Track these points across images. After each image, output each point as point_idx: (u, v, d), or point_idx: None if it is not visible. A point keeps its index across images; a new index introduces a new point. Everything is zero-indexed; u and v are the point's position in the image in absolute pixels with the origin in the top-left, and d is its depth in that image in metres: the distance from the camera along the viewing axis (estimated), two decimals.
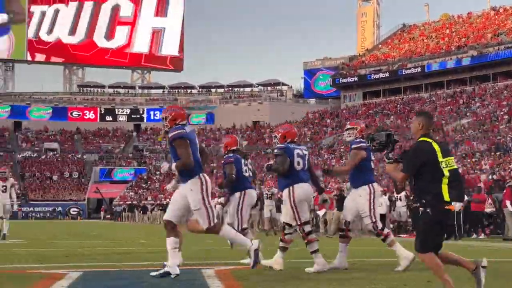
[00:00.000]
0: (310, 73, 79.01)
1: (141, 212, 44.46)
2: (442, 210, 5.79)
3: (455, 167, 5.96)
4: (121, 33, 79.33)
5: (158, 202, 43.88)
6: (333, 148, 60.65)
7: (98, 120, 77.49)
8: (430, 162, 5.85)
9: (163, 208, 39.62)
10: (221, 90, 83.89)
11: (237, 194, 9.82)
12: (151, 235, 21.18)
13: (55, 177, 67.71)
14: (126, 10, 79.35)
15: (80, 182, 67.66)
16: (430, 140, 5.96)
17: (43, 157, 71.33)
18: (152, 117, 78.42)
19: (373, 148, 6.61)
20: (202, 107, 79.45)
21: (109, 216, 57.48)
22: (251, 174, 10.02)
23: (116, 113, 78.12)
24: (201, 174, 7.30)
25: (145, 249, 13.21)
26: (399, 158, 6.16)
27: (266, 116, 75.78)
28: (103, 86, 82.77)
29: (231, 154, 9.97)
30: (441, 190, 5.82)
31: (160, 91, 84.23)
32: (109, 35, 79.12)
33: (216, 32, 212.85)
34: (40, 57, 77.53)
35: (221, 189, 10.69)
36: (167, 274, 7.24)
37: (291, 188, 8.50)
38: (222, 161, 10.10)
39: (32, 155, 71.35)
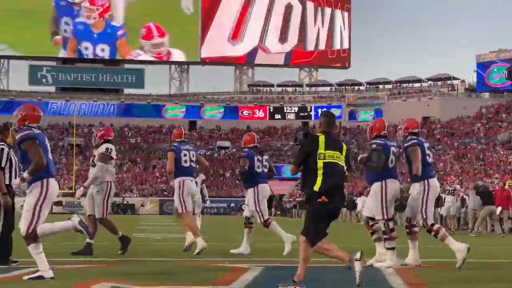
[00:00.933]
0: (483, 66, 75.65)
1: None
2: (317, 203, 6.18)
3: (335, 162, 6.29)
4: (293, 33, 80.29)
5: None
6: (509, 144, 57.70)
7: (267, 118, 79.23)
8: (312, 153, 6.31)
9: None
10: (389, 86, 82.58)
11: (251, 191, 10.64)
12: None
13: (227, 174, 70.15)
14: (297, 9, 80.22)
15: None
16: (320, 135, 6.46)
17: (216, 155, 74.13)
18: (320, 115, 78.79)
19: (297, 146, 6.80)
20: (369, 103, 78.70)
21: (279, 212, 58.57)
22: (264, 169, 10.73)
23: (285, 111, 79.39)
24: (45, 179, 7.00)
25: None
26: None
27: (436, 112, 73.61)
28: (271, 85, 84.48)
29: (246, 149, 10.81)
30: (316, 181, 6.22)
31: (328, 88, 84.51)
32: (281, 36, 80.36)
33: (383, 28, 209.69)
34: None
35: (239, 181, 11.03)
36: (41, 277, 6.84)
37: (384, 182, 8.57)
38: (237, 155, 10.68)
39: (206, 153, 74.41)
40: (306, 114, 79.44)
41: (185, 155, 10.59)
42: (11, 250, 8.46)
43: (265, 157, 11.07)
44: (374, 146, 8.64)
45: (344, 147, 6.55)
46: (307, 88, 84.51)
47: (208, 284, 6.70)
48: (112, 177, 10.55)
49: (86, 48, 75.20)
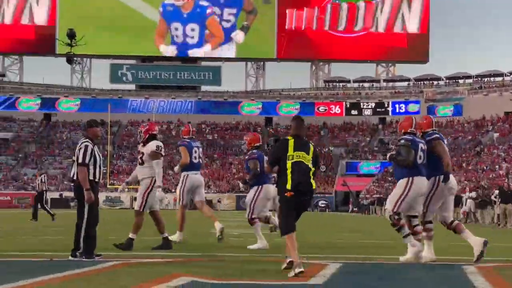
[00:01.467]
0: None
1: None
2: (285, 197, 7.16)
3: (301, 161, 7.25)
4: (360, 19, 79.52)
5: None
6: None
7: (343, 114, 78.67)
8: (283, 155, 7.30)
9: None
10: (470, 81, 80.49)
11: (255, 188, 10.89)
12: None
13: None
14: None
15: (327, 175, 69.31)
16: (290, 138, 7.42)
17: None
18: (397, 110, 77.73)
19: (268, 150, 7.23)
20: (449, 99, 77.00)
21: (356, 209, 58.16)
22: None
23: (361, 107, 78.66)
24: None
25: (396, 242, 13.20)
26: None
27: None
28: (348, 81, 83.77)
29: (255, 151, 10.94)
30: (287, 179, 7.18)
31: (405, 83, 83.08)
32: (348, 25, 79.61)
33: (463, 21, 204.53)
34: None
35: (245, 184, 11.33)
36: None
37: (411, 179, 8.59)
38: (246, 157, 11.05)
39: None
40: (383, 109, 78.43)
41: (195, 151, 11.47)
42: (95, 244, 8.73)
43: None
44: (402, 141, 8.75)
45: (311, 147, 7.50)
46: (384, 84, 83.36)
47: (287, 279, 6.73)
48: None
49: (176, 29, 76.30)
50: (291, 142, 7.37)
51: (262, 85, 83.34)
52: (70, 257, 8.57)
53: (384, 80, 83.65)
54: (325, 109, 78.82)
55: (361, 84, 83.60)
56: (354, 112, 78.16)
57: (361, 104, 78.71)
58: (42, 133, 76.75)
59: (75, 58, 66.88)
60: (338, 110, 78.71)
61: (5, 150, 71.99)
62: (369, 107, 78.55)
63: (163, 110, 76.96)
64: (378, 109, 78.43)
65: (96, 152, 8.78)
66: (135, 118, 77.78)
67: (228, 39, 77.07)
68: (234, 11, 76.93)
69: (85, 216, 8.56)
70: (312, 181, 7.36)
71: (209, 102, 78.86)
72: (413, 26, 79.48)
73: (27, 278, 6.41)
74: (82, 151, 8.68)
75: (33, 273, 6.82)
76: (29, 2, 76.73)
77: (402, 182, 8.70)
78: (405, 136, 8.81)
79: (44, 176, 24.38)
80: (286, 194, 7.16)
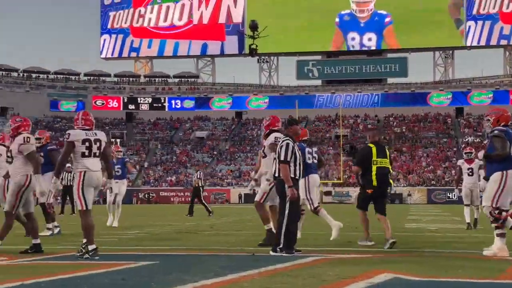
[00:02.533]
0: None
1: None
2: (366, 193, 9.95)
3: (383, 165, 9.91)
4: None
5: None
6: None
7: None
8: (368, 159, 9.85)
9: None
10: None
11: (302, 180, 10.55)
12: None
13: None
14: None
15: None
16: (372, 145, 10.00)
17: (485, 142, 70.84)
18: None
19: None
20: None
21: None
22: (315, 161, 11.52)
23: None
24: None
25: None
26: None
27: None
28: None
29: (298, 144, 10.66)
30: (371, 178, 9.83)
31: None
32: None
33: None
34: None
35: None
36: None
37: (505, 172, 8.42)
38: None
39: (474, 140, 71.47)
40: None
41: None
42: (296, 239, 8.95)
43: (314, 149, 11.88)
44: (496, 132, 8.55)
45: (387, 151, 10.13)
46: None
47: (493, 278, 6.46)
48: None
49: (353, 39, 76.37)
50: (373, 149, 9.94)
51: (451, 75, 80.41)
52: (271, 252, 8.84)
53: None
54: None
55: None
56: None
57: None
58: (234, 131, 79.89)
59: (263, 57, 68.76)
60: None
61: (201, 148, 75.85)
62: None
63: (349, 105, 76.81)
64: None
65: (296, 150, 9.02)
66: (322, 113, 78.46)
67: None
68: None
69: (287, 212, 8.79)
70: (390, 180, 10.17)
71: (396, 94, 77.49)
72: None
73: (234, 272, 6.70)
74: (283, 148, 8.93)
75: (238, 268, 7.13)
76: (225, 3, 79.82)
77: (496, 177, 8.50)
78: (498, 127, 8.62)
79: (200, 172, 25.71)
80: (368, 190, 9.92)
